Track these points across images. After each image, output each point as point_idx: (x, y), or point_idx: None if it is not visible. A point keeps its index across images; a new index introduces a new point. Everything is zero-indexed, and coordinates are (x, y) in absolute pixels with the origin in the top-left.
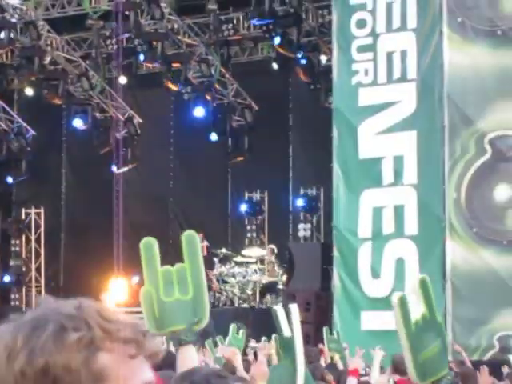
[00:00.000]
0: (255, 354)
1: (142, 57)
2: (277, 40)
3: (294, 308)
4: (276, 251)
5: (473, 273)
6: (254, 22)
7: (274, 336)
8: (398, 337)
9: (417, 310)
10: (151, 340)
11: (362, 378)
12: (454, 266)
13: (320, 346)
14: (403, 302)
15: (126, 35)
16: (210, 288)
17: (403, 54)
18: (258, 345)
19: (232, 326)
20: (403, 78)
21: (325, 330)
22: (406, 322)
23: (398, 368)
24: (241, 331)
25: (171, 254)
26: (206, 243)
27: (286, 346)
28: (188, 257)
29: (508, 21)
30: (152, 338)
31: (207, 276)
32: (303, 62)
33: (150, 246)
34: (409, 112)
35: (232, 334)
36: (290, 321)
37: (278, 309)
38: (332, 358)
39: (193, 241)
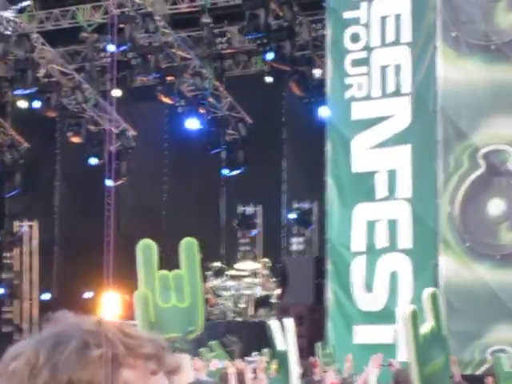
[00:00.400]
0: (255, 371)
1: (137, 76)
2: (269, 56)
3: (289, 322)
4: (269, 265)
5: (466, 287)
6: (248, 36)
7: (265, 350)
8: (394, 349)
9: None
10: (170, 355)
11: None
12: (448, 280)
13: (311, 358)
14: (414, 315)
15: (121, 48)
16: (206, 301)
17: (397, 68)
18: (255, 358)
19: (212, 344)
20: (397, 92)
21: (318, 345)
22: (416, 335)
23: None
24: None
25: (164, 266)
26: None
27: (281, 360)
28: (186, 264)
29: (502, 35)
30: (171, 353)
31: (204, 289)
32: (296, 75)
33: (148, 248)
34: (403, 126)
35: (214, 349)
36: (286, 335)
37: (273, 323)
38: (324, 371)
39: (191, 248)
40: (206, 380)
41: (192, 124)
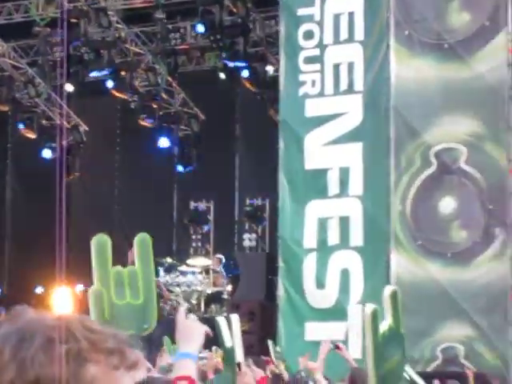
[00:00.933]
0: (239, 366)
1: (90, 71)
2: (224, 55)
3: (234, 318)
4: (224, 261)
5: (417, 285)
6: (201, 30)
7: (214, 348)
8: (346, 346)
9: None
10: (131, 350)
11: None
12: (399, 277)
13: (263, 357)
14: (374, 315)
15: (75, 43)
16: (161, 296)
17: (350, 65)
18: (206, 355)
19: (165, 339)
20: (350, 90)
21: (270, 342)
22: (375, 334)
23: (354, 381)
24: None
25: (115, 261)
26: None
27: (228, 356)
28: (140, 260)
29: (455, 34)
30: (132, 348)
31: (157, 284)
32: (249, 72)
33: (102, 243)
34: (355, 124)
35: (167, 347)
36: (231, 331)
37: (220, 320)
38: (276, 367)
39: (145, 243)
40: (158, 377)
41: (145, 120)
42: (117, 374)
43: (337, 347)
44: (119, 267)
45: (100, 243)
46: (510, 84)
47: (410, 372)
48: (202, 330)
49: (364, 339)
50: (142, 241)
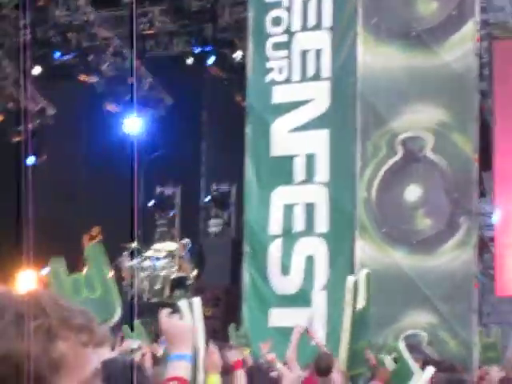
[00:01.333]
0: (207, 345)
1: (57, 54)
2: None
3: (196, 301)
4: (190, 245)
5: (382, 272)
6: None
7: None
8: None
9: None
10: (99, 328)
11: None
12: (364, 265)
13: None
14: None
15: (42, 26)
16: (122, 278)
17: (318, 52)
18: None
19: (124, 328)
20: (317, 77)
21: (231, 327)
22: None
23: (319, 365)
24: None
25: (80, 246)
26: (100, 237)
27: None
28: (92, 265)
29: (423, 23)
30: (100, 325)
31: (118, 266)
32: (216, 58)
33: (57, 273)
34: (322, 110)
35: (125, 335)
36: (193, 314)
37: (182, 303)
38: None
39: (96, 251)
40: (120, 357)
41: (112, 104)
42: (85, 351)
43: (307, 331)
44: (76, 274)
45: (55, 273)
46: (477, 73)
47: (401, 349)
48: (189, 327)
49: (328, 317)
50: (92, 250)
